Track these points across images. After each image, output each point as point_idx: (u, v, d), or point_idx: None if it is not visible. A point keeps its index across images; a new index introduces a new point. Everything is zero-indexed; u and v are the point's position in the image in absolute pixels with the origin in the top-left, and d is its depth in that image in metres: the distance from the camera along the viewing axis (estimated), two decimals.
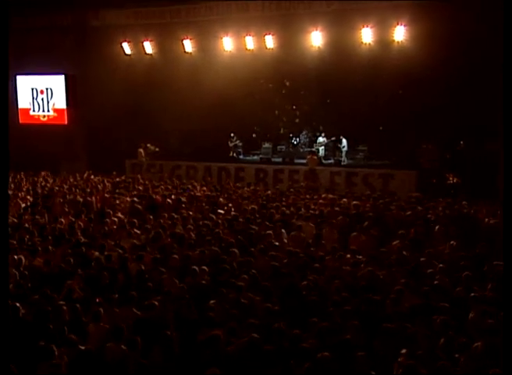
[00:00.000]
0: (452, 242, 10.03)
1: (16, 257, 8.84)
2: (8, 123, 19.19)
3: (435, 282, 7.74)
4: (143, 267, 8.55)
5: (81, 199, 14.41)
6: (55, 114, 23.62)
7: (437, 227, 10.96)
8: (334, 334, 6.07)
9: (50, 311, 6.74)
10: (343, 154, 20.07)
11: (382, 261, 8.92)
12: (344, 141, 20.05)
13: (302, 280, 7.87)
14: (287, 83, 21.18)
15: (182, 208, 13.35)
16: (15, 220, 11.81)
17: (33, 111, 24.06)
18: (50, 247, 9.68)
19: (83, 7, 21.35)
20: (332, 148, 20.63)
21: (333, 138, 20.40)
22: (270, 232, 10.63)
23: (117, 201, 14.07)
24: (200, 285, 7.73)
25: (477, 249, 9.67)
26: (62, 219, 11.98)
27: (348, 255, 9.33)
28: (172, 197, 14.53)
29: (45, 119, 23.88)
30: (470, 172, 17.43)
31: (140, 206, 13.62)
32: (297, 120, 21.64)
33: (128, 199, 14.44)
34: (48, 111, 23.78)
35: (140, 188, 16.33)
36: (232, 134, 21.58)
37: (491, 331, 6.08)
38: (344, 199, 14.62)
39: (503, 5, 4.39)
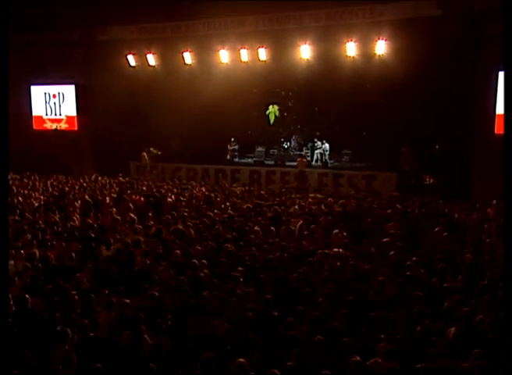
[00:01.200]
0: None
1: (30, 252, 8.84)
2: (23, 130, 19.13)
3: (412, 273, 7.79)
4: (148, 261, 8.56)
5: (90, 198, 14.42)
6: (66, 121, 23.55)
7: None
8: (323, 322, 6.08)
9: (61, 300, 6.75)
10: (327, 157, 20.14)
11: (366, 255, 8.96)
12: (327, 145, 20.14)
13: (293, 272, 7.87)
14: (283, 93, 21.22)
15: (182, 206, 13.36)
16: (30, 217, 11.80)
17: (46, 115, 24.00)
18: (61, 242, 9.67)
19: (92, 23, 21.37)
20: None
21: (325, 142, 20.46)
22: (264, 228, 10.68)
23: (124, 200, 14.09)
24: (199, 277, 7.72)
25: (450, 244, 9.73)
26: (73, 217, 11.98)
27: (335, 250, 9.33)
28: (173, 197, 14.57)
29: (56, 127, 23.84)
30: (444, 173, 17.55)
31: (144, 205, 13.65)
32: (294, 127, 21.63)
33: (132, 198, 14.43)
34: (60, 115, 23.73)
35: (144, 188, 16.32)
36: (232, 139, 21.60)
37: (466, 318, 6.12)
38: (331, 199, 14.68)
39: (503, 5, 4.18)
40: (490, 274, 7.77)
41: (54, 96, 23.71)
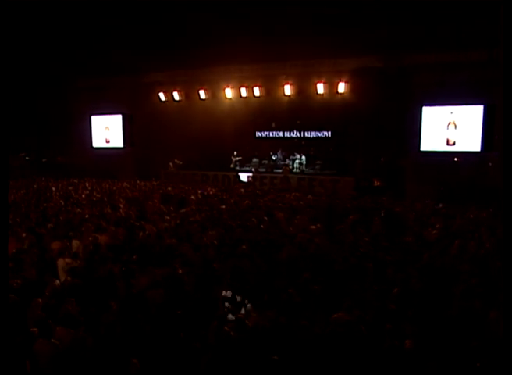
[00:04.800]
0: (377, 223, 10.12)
1: (90, 234, 8.80)
2: (86, 147, 19.13)
3: (364, 250, 7.80)
4: (174, 241, 8.53)
5: (131, 196, 14.37)
6: (116, 140, 23.47)
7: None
8: (305, 286, 6.05)
9: (113, 270, 6.73)
10: (304, 166, 20.15)
11: (332, 237, 8.92)
12: (303, 158, 20.15)
13: (281, 250, 7.79)
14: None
15: (199, 202, 13.31)
16: (90, 210, 11.71)
17: (102, 136, 23.90)
18: (112, 228, 9.65)
19: (136, 71, 21.49)
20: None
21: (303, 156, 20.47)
22: (259, 218, 10.62)
23: (155, 198, 14.04)
24: (211, 254, 7.66)
25: (391, 228, 9.73)
26: (120, 209, 11.95)
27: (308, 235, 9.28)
28: (192, 195, 14.53)
29: (109, 143, 23.79)
30: (387, 179, 17.63)
31: (170, 200, 13.56)
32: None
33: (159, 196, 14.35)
34: (111, 136, 23.65)
35: (169, 189, 16.25)
36: (235, 152, 21.57)
37: (403, 281, 6.15)
38: (308, 196, 14.70)
39: (503, 5, 3.42)
40: (417, 250, 7.84)
41: (107, 128, 23.73)
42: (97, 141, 23.94)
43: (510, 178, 3.26)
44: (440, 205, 12.43)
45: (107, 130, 23.62)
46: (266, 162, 21.40)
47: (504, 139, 3.44)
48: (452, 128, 16.32)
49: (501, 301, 4.85)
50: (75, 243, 8.26)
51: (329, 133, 19.70)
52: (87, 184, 17.95)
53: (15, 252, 7.22)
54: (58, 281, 6.16)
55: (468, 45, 15.30)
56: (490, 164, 15.77)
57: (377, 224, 10.01)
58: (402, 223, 10.34)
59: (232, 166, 21.53)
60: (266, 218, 10.71)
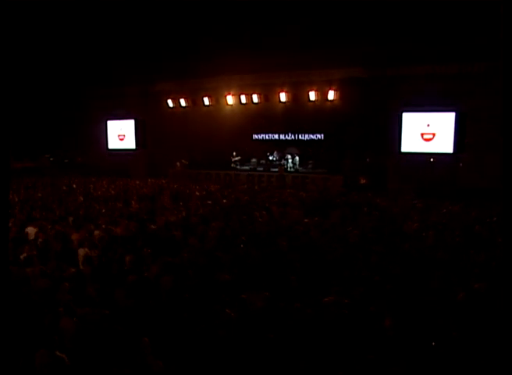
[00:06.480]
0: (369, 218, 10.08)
1: (106, 226, 8.83)
2: (102, 148, 19.22)
3: (352, 240, 7.86)
4: (180, 232, 8.54)
5: (143, 192, 14.39)
6: (129, 143, 23.45)
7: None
8: (300, 273, 6.07)
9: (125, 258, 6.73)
10: (297, 165, 20.17)
11: (323, 230, 8.90)
12: (297, 158, 20.16)
13: (277, 241, 7.78)
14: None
15: (204, 197, 13.33)
16: (105, 204, 11.74)
17: (116, 140, 23.90)
18: (125, 221, 9.64)
19: (146, 81, 21.56)
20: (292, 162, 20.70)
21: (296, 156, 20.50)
22: (258, 212, 10.67)
23: (164, 194, 14.06)
24: (214, 244, 7.66)
25: (377, 221, 9.77)
26: (132, 204, 11.98)
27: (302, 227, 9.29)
28: (197, 192, 14.56)
29: (123, 145, 23.74)
30: (372, 177, 17.72)
31: (178, 197, 13.59)
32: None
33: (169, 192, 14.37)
34: (125, 139, 23.59)
35: (175, 186, 16.27)
36: (234, 153, 21.58)
37: (385, 267, 6.22)
38: (301, 193, 14.74)
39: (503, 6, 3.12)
40: (398, 240, 7.89)
41: (121, 136, 23.72)
42: (113, 143, 23.94)
43: (510, 178, 3.02)
44: (415, 201, 12.52)
45: (121, 133, 23.60)
46: (263, 162, 21.43)
47: (504, 139, 3.14)
48: None
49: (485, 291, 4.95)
50: (96, 234, 8.30)
51: (321, 135, 19.73)
52: (103, 182, 17.97)
53: (42, 242, 7.28)
54: (78, 268, 6.23)
55: (443, 59, 15.66)
56: (461, 164, 16.01)
57: (365, 219, 10.02)
58: (385, 216, 10.39)
59: (232, 165, 21.57)
60: (264, 212, 10.71)
